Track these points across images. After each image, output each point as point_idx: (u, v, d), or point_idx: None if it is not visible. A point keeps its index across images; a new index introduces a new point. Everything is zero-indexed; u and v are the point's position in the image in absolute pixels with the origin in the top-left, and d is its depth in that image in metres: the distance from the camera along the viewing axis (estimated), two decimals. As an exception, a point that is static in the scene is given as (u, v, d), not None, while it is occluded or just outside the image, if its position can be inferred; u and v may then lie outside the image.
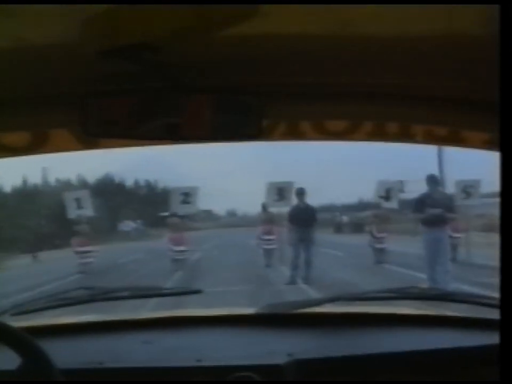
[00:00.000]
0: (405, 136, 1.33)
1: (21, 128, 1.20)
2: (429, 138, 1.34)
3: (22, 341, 1.08)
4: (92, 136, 1.13)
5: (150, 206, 34.35)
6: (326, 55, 0.98)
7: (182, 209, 12.43)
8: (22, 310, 1.45)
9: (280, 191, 11.93)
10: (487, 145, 1.30)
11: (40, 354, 1.08)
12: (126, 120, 1.07)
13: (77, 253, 13.21)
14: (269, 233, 12.94)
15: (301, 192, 10.56)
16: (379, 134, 1.33)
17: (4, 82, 1.04)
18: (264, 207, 13.19)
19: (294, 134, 1.31)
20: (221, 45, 0.93)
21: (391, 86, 1.14)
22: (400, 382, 1.30)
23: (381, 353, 1.34)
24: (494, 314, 1.35)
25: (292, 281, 9.80)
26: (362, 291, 1.69)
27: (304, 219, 10.18)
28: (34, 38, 0.87)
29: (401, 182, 12.95)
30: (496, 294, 1.02)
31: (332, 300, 1.65)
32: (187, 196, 12.07)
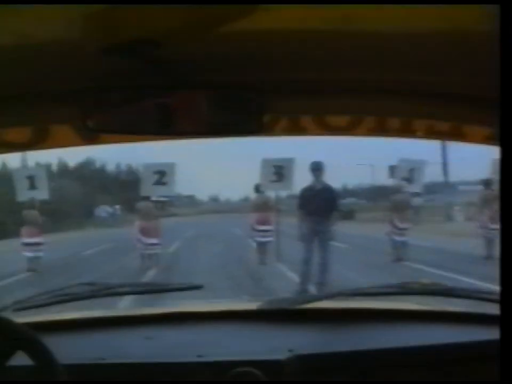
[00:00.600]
0: (406, 131, 1.34)
1: (22, 124, 1.20)
2: (430, 134, 1.35)
3: (25, 337, 1.09)
4: (92, 131, 1.13)
5: (129, 190, 30.29)
6: (327, 50, 0.98)
7: (156, 192, 10.10)
8: (24, 305, 1.46)
9: (278, 170, 9.56)
10: (487, 140, 1.30)
11: (44, 350, 1.08)
12: (126, 115, 1.08)
13: (26, 245, 10.56)
14: (264, 222, 10.45)
15: (317, 168, 7.79)
16: (380, 129, 1.33)
17: (5, 78, 1.04)
18: (258, 190, 10.54)
19: (295, 129, 1.31)
20: (222, 41, 0.93)
21: (393, 82, 1.14)
22: (401, 377, 1.31)
23: (382, 349, 1.34)
24: (495, 309, 1.35)
25: (303, 289, 7.40)
26: (364, 286, 1.69)
27: (321, 205, 7.48)
28: (35, 35, 0.87)
29: (424, 162, 10.55)
30: (496, 289, 1.02)
31: (333, 296, 1.66)
32: (162, 175, 9.53)
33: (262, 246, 10.52)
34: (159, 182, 9.48)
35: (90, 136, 1.27)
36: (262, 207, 10.56)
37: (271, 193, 10.81)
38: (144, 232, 10.18)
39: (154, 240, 10.16)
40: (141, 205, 10.51)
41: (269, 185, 9.97)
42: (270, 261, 10.23)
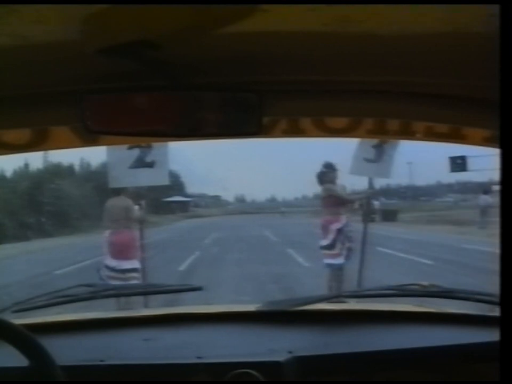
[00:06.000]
0: (405, 133, 1.34)
1: (21, 125, 1.20)
2: (430, 135, 1.35)
3: (23, 338, 1.08)
4: (92, 133, 1.13)
5: (152, 189, 30.14)
6: (326, 52, 0.99)
7: (136, 179, 5.29)
8: (23, 307, 1.46)
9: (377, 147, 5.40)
10: (487, 142, 1.30)
11: (42, 352, 1.08)
12: (126, 117, 1.08)
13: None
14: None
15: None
16: (380, 131, 1.34)
17: (4, 79, 1.04)
18: (324, 177, 6.14)
19: (294, 131, 1.32)
20: (221, 42, 0.93)
21: (392, 83, 1.14)
22: (400, 378, 1.30)
23: (381, 351, 1.34)
24: (494, 311, 1.35)
25: None
26: (363, 288, 1.69)
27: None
28: (35, 36, 0.87)
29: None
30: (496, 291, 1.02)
31: (332, 297, 1.65)
32: (145, 151, 5.07)
33: (334, 271, 5.93)
34: (140, 163, 5.18)
35: (90, 138, 1.27)
36: (332, 207, 6.02)
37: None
38: (115, 249, 5.92)
39: (130, 264, 5.87)
40: (111, 204, 6.04)
41: (360, 166, 5.58)
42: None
